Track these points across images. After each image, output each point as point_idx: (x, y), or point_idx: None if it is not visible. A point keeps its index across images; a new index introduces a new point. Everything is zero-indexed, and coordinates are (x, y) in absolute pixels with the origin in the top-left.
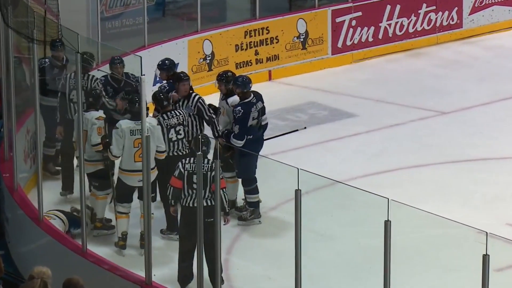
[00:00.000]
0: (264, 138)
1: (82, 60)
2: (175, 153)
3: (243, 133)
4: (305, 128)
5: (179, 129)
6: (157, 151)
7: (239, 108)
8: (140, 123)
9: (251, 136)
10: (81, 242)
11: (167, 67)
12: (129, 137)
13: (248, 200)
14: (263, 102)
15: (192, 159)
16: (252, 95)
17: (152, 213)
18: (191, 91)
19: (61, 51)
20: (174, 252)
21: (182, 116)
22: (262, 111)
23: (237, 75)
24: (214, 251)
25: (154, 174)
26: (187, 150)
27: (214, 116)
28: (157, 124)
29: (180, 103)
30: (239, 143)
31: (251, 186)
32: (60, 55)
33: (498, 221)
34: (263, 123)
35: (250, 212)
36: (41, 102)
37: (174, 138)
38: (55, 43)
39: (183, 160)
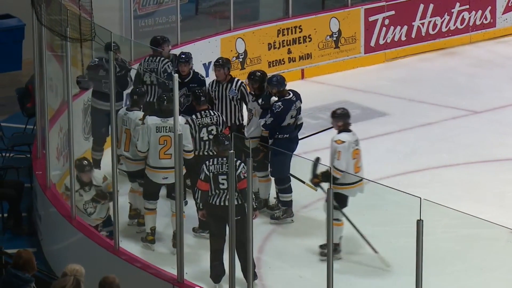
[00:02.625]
0: (303, 136)
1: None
2: (206, 153)
3: (273, 128)
4: None
5: (212, 129)
6: (184, 150)
7: (279, 103)
8: (166, 121)
9: (287, 135)
10: (113, 240)
11: (183, 60)
12: (154, 133)
13: (281, 199)
14: (301, 101)
15: (215, 160)
16: (291, 94)
17: (184, 212)
18: (232, 76)
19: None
20: (205, 250)
21: (216, 117)
22: (299, 110)
23: (268, 74)
24: (244, 248)
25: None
26: None
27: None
28: (185, 123)
29: (224, 87)
30: (264, 131)
31: (284, 185)
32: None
33: None
34: (298, 122)
35: (282, 211)
36: (94, 105)
37: (205, 138)
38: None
39: (207, 162)
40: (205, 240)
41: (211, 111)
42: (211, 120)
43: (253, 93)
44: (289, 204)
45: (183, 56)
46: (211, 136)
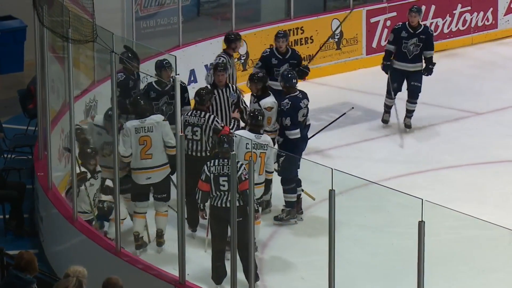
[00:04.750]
0: (311, 135)
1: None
2: (189, 153)
3: (296, 123)
4: (352, 108)
5: (196, 130)
6: (167, 146)
7: (286, 100)
8: (144, 121)
9: None
10: (115, 241)
11: (281, 35)
12: (134, 135)
13: (286, 200)
14: (308, 100)
15: (216, 161)
16: (297, 91)
17: (166, 211)
18: (228, 82)
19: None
20: (197, 249)
21: (204, 120)
22: (308, 109)
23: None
24: (246, 249)
25: (165, 171)
26: (203, 153)
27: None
28: (163, 120)
29: (223, 91)
30: (295, 133)
31: (289, 186)
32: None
33: None
34: (307, 122)
35: (286, 212)
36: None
37: (189, 137)
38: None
39: (208, 163)
40: (196, 239)
41: (202, 113)
42: (198, 121)
43: (254, 94)
44: (293, 205)
45: (281, 32)
46: (195, 137)
